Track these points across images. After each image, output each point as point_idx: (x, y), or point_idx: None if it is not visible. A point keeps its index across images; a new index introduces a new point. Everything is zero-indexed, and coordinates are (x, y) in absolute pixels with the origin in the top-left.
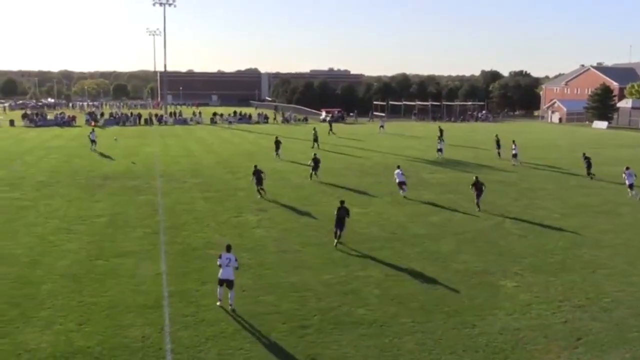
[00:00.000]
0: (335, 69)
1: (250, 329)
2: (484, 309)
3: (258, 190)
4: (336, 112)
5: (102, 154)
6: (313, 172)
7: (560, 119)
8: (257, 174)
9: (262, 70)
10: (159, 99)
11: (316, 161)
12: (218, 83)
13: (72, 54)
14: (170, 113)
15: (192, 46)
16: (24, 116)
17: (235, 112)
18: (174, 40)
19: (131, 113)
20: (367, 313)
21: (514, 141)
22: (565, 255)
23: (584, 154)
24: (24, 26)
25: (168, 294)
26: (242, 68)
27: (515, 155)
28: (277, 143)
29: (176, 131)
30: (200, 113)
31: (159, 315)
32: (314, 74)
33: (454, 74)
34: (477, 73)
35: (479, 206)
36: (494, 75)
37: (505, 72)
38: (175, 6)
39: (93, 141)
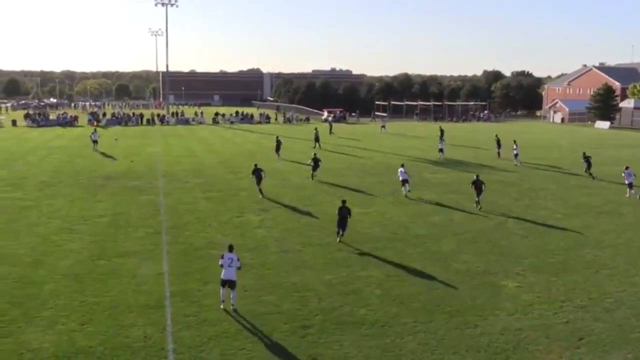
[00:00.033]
0: (338, 69)
1: (252, 329)
2: (485, 309)
3: (259, 190)
4: (338, 112)
5: (104, 154)
6: (313, 172)
7: (562, 119)
8: (257, 173)
9: (265, 70)
10: (161, 99)
11: (316, 161)
12: (220, 83)
13: (75, 54)
14: (173, 113)
15: (194, 46)
16: (27, 116)
17: (237, 112)
18: (176, 40)
19: (133, 113)
20: (369, 313)
21: (515, 141)
22: (567, 256)
23: (583, 154)
24: (27, 26)
25: (170, 294)
26: (245, 68)
27: (516, 155)
28: (278, 143)
29: (178, 131)
30: (202, 113)
31: (161, 315)
32: (316, 74)
33: (456, 74)
34: (479, 73)
35: (478, 203)
36: (496, 75)
37: (507, 72)
38: (177, 6)
39: (95, 141)
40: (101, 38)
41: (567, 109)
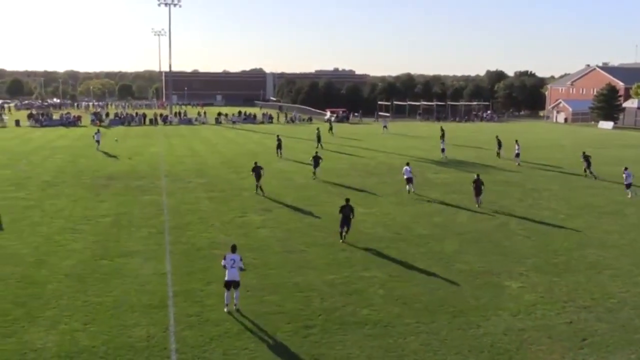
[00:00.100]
0: (340, 69)
1: (254, 329)
2: (488, 309)
3: (260, 187)
4: (341, 112)
5: (107, 154)
6: (314, 170)
7: (565, 119)
8: (257, 170)
9: (267, 70)
10: (164, 99)
11: (316, 159)
12: (223, 83)
13: (78, 54)
14: (175, 113)
15: (197, 46)
16: (30, 116)
17: (240, 112)
18: (179, 40)
19: (136, 113)
20: (372, 313)
21: (516, 141)
22: (570, 256)
23: (583, 153)
24: (30, 27)
25: (173, 294)
26: (247, 68)
27: (518, 155)
28: (279, 142)
29: (181, 131)
30: (205, 113)
31: (163, 315)
32: (319, 74)
33: (458, 74)
34: (482, 73)
35: (478, 199)
36: (499, 75)
37: (510, 72)
38: (180, 6)
39: (98, 141)
40: (104, 38)
41: (570, 109)
